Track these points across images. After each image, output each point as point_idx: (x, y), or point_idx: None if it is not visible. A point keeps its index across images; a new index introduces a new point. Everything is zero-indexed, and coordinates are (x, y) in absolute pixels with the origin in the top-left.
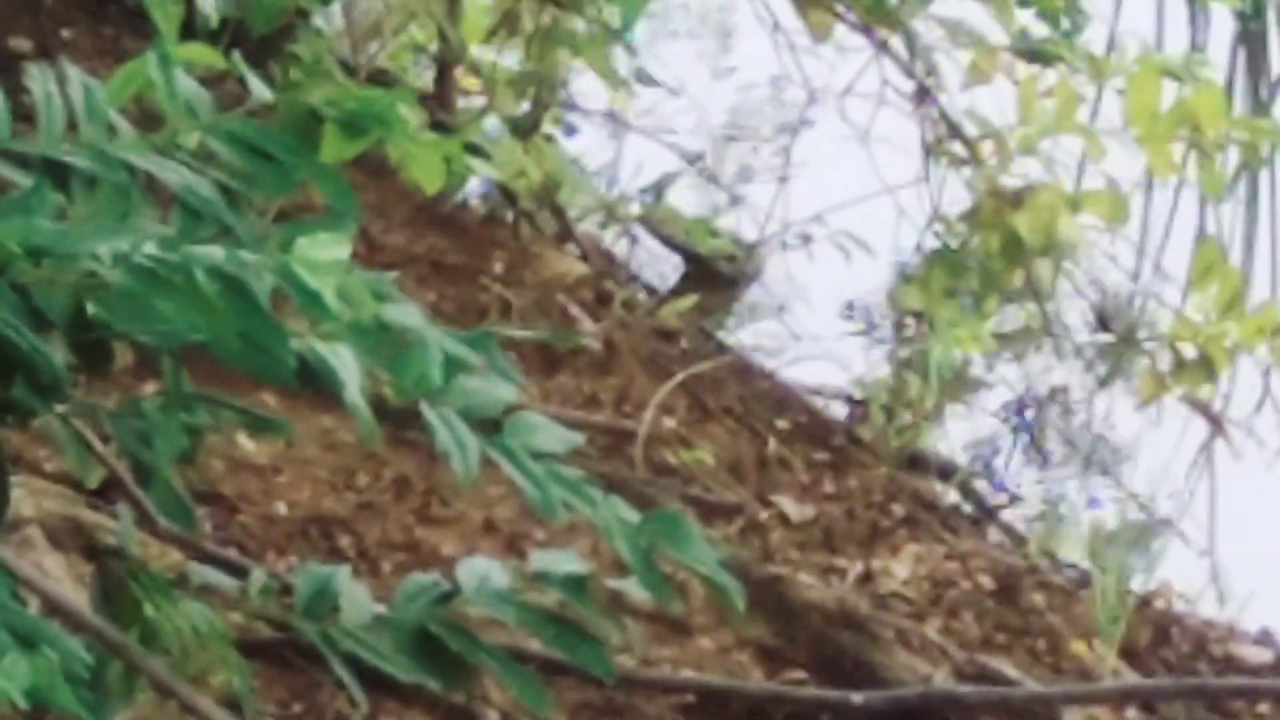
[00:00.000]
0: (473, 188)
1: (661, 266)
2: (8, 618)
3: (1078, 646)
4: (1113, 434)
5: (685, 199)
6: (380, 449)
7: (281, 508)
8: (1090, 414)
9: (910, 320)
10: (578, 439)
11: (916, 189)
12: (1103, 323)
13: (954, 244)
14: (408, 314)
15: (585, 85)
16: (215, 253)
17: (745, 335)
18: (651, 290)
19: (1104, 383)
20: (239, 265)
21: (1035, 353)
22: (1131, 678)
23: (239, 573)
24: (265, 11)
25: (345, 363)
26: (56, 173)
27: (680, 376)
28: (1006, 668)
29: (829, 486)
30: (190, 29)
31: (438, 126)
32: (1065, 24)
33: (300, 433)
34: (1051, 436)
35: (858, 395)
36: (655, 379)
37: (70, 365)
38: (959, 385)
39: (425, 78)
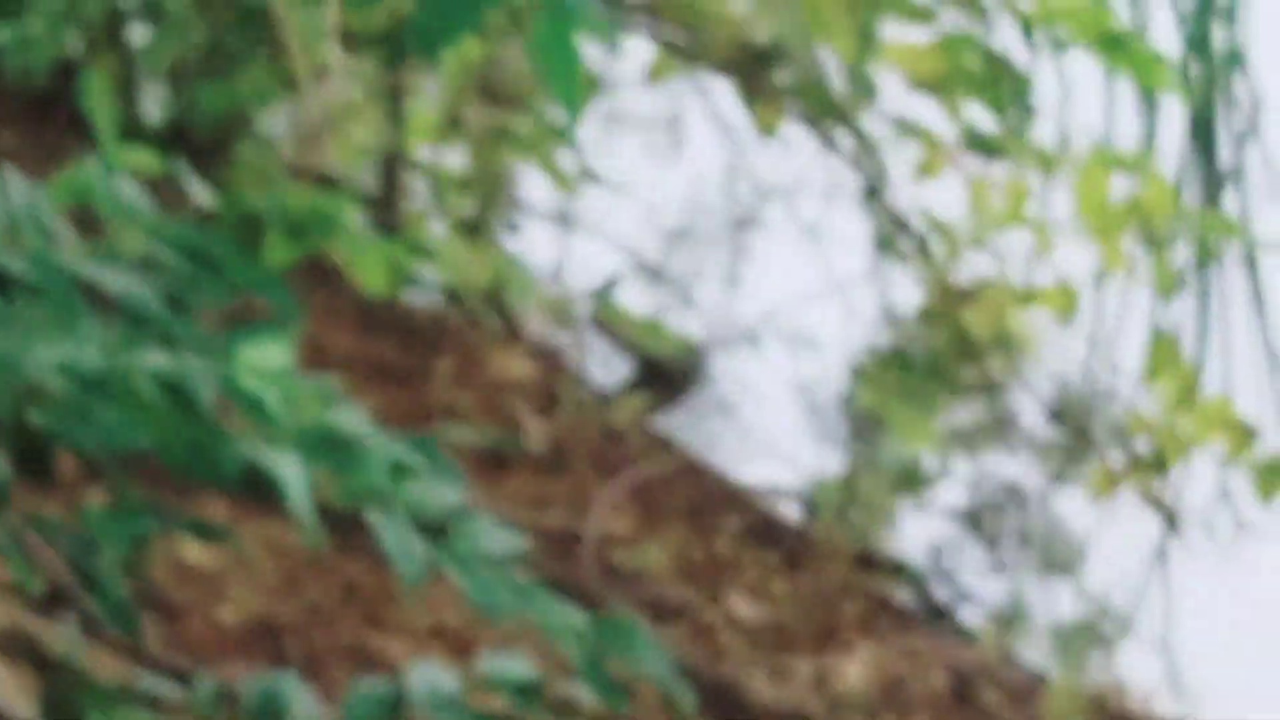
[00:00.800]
0: (419, 290)
1: (610, 367)
2: None
3: None
4: (1068, 532)
5: (633, 298)
6: (327, 555)
7: (228, 614)
8: (1045, 511)
9: (861, 419)
10: (525, 542)
11: (866, 286)
12: (1056, 418)
13: (905, 341)
14: (353, 418)
15: (532, 185)
16: (158, 360)
17: (695, 435)
18: (599, 391)
19: (1057, 478)
20: (182, 372)
21: (988, 450)
22: None
23: (186, 681)
24: (208, 115)
25: (290, 468)
26: None
27: (629, 477)
28: None
29: (781, 586)
30: (132, 132)
31: (383, 228)
32: (1013, 117)
33: (247, 539)
34: (1006, 533)
35: (809, 495)
36: (604, 480)
37: (11, 474)
38: (911, 483)
39: (370, 180)
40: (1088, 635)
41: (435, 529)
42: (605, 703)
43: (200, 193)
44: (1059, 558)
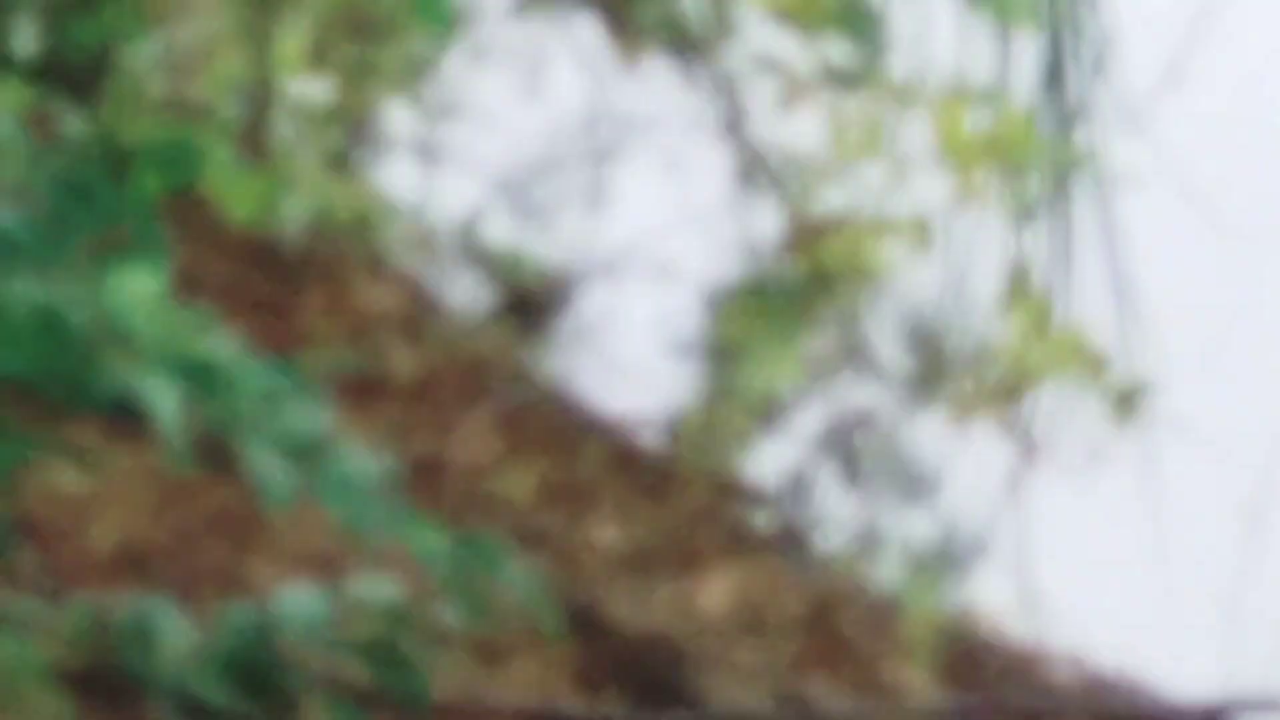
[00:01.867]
0: (288, 222)
1: (474, 297)
2: None
3: (890, 670)
4: (923, 458)
5: (497, 230)
6: (198, 480)
7: (98, 539)
8: (901, 439)
9: (721, 348)
10: (392, 466)
11: (726, 217)
12: (912, 347)
13: (763, 271)
14: (223, 346)
15: (396, 117)
16: (31, 287)
17: (558, 364)
18: (465, 321)
19: (913, 406)
20: (55, 300)
21: (845, 378)
22: (942, 699)
23: (58, 605)
24: (79, 47)
25: (161, 395)
26: None
27: (493, 406)
28: (820, 691)
29: (643, 512)
30: (3, 65)
31: (251, 161)
32: (870, 52)
33: (118, 465)
34: (863, 462)
35: (670, 422)
36: (469, 409)
37: None
38: (770, 411)
39: (238, 112)
40: (942, 560)
41: (304, 454)
42: (472, 624)
43: (73, 124)
44: (914, 484)
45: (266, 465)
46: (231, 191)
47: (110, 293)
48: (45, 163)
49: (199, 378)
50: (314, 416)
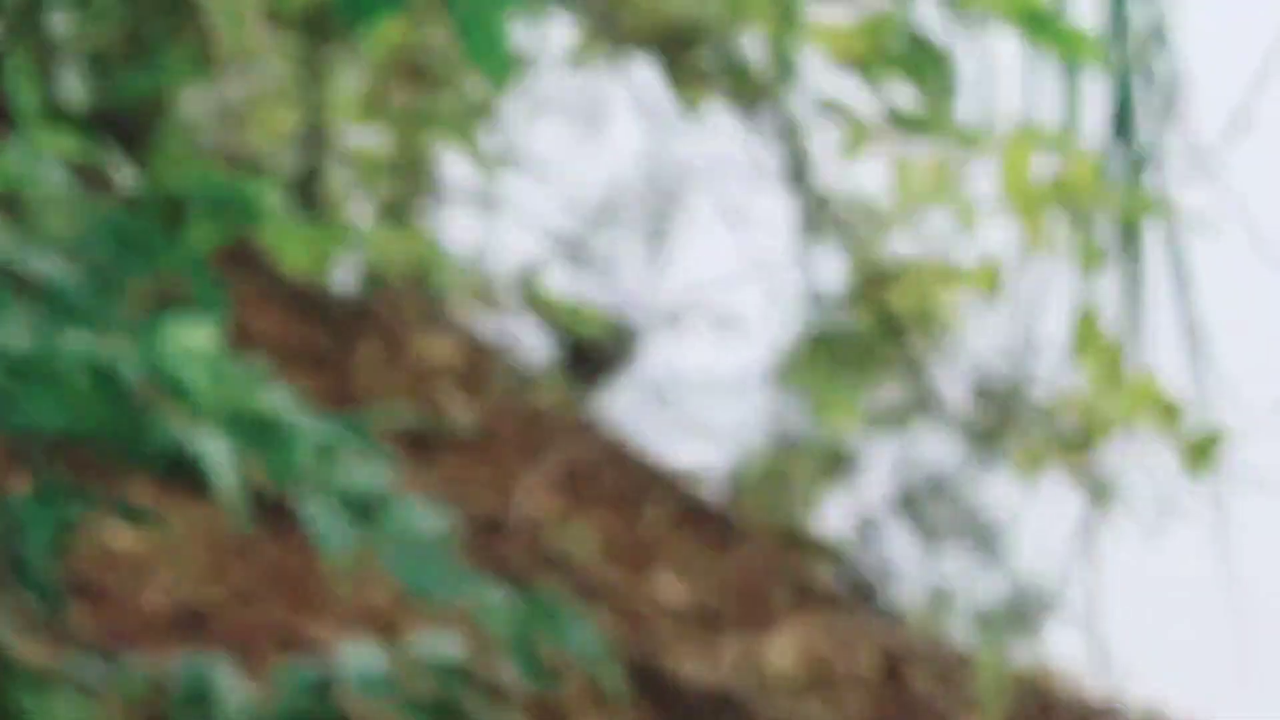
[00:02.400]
0: (343, 273)
1: (534, 350)
2: None
3: None
4: (993, 510)
5: (558, 280)
6: (255, 537)
7: (155, 598)
8: (970, 490)
9: (787, 400)
10: (453, 523)
11: (791, 266)
12: (981, 397)
13: (829, 321)
14: (280, 401)
15: (454, 166)
16: (84, 343)
17: (621, 417)
18: (524, 374)
19: (982, 457)
20: (108, 355)
21: (914, 429)
22: None
23: (114, 665)
24: (130, 97)
25: (217, 451)
26: None
27: (555, 460)
28: None
29: (708, 567)
30: (54, 116)
31: (305, 211)
32: (936, 96)
33: (173, 523)
34: (931, 513)
35: (735, 476)
36: (529, 463)
37: None
38: (838, 463)
39: (292, 162)
40: (1013, 615)
41: (363, 511)
42: (534, 684)
43: (124, 176)
44: (984, 537)
45: (325, 522)
46: (286, 242)
47: (164, 347)
48: (96, 214)
49: (255, 433)
50: (373, 472)
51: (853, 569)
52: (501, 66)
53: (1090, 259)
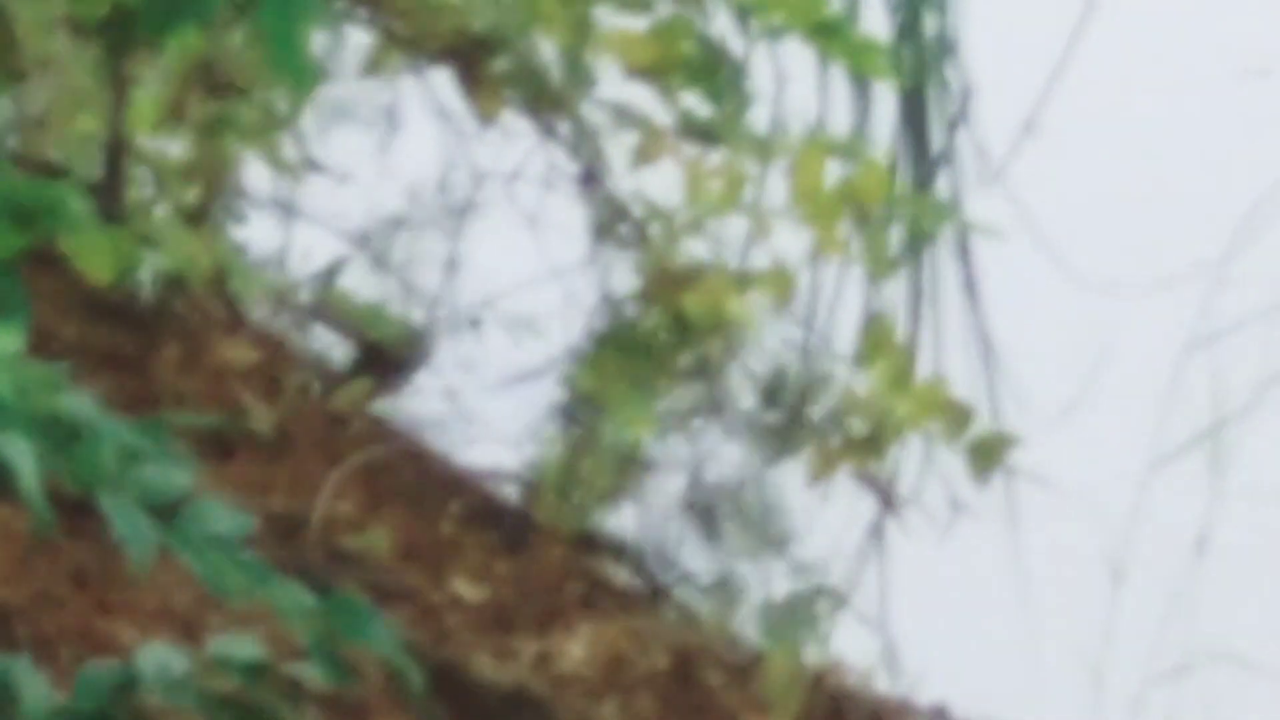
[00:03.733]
0: (143, 278)
1: (333, 352)
2: None
3: None
4: (784, 511)
5: (355, 285)
6: (57, 539)
7: None
8: (761, 491)
9: (581, 401)
10: (252, 523)
11: (585, 272)
12: (772, 400)
13: (623, 325)
14: (81, 404)
15: (254, 173)
16: None
17: (417, 420)
18: (323, 376)
19: (774, 459)
20: None
21: (706, 432)
22: None
23: None
24: None
25: (20, 454)
26: None
27: (353, 461)
28: None
29: (503, 568)
30: None
31: (107, 217)
32: (729, 104)
33: None
34: (723, 515)
35: (530, 477)
36: (328, 465)
37: None
38: (631, 465)
39: (94, 168)
40: (802, 612)
41: (164, 512)
42: (334, 683)
43: None
44: (775, 538)
45: (127, 523)
46: (87, 248)
47: None
48: None
49: (57, 435)
50: (175, 474)
51: (646, 569)
52: (303, 75)
53: (881, 265)
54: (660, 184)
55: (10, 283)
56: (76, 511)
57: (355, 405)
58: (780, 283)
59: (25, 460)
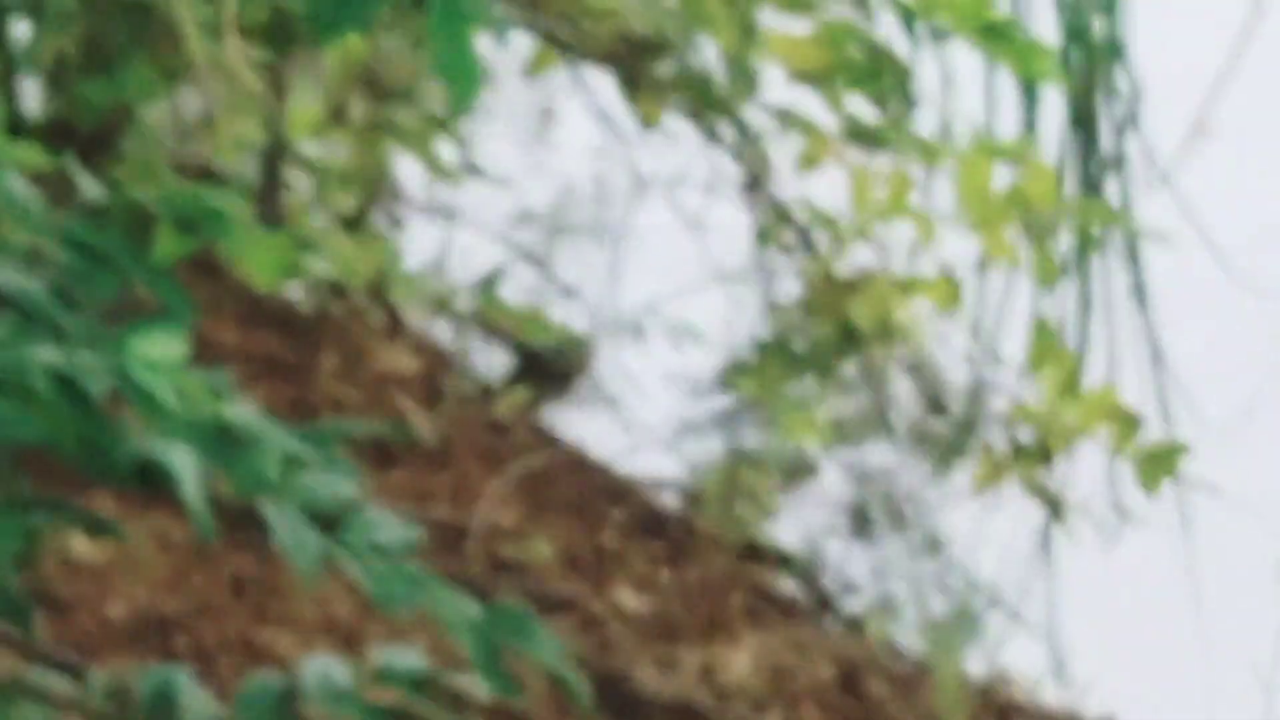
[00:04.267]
0: (303, 284)
1: (493, 359)
2: None
3: None
4: (951, 521)
5: (515, 291)
6: (217, 548)
7: (117, 609)
8: (928, 501)
9: (744, 409)
10: (416, 534)
11: (749, 278)
12: (938, 409)
13: (787, 332)
14: (244, 411)
15: (412, 177)
16: (49, 353)
17: (579, 428)
18: (484, 384)
19: (940, 469)
20: (73, 366)
21: (871, 441)
22: None
23: (76, 675)
24: (91, 108)
25: (182, 461)
26: None
27: (514, 470)
28: None
29: (666, 578)
30: (15, 127)
31: (266, 221)
32: (895, 108)
33: (136, 533)
34: (888, 524)
35: (693, 486)
36: (489, 473)
37: None
38: (795, 474)
39: (253, 173)
40: (968, 624)
41: (327, 521)
42: (499, 695)
43: (87, 187)
44: (942, 548)
45: (291, 532)
46: (248, 254)
47: (129, 358)
48: (60, 226)
49: (220, 444)
50: (339, 482)
51: (810, 579)
52: (468, 80)
53: (1049, 271)
54: (825, 189)
55: (172, 289)
56: (235, 521)
57: (516, 413)
58: (947, 289)
59: (187, 468)
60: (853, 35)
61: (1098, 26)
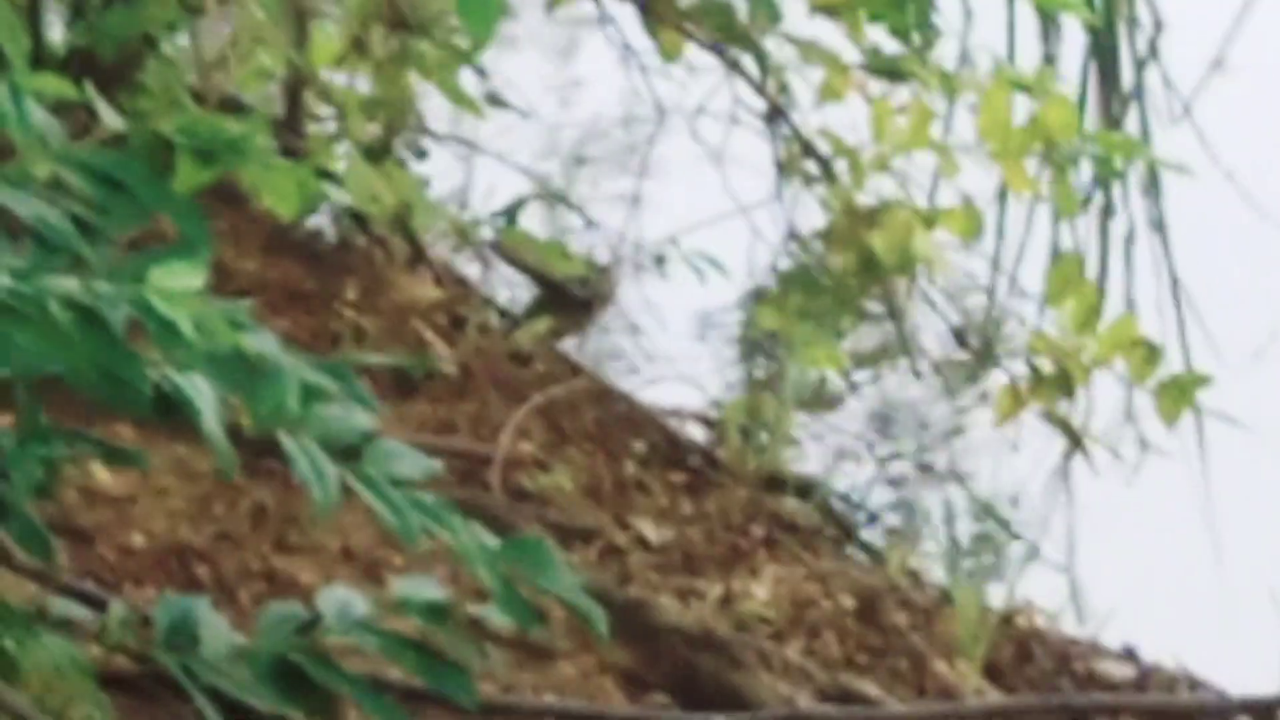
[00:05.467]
0: (325, 214)
1: (515, 290)
2: None
3: (940, 665)
4: (970, 451)
5: (537, 222)
6: (237, 478)
7: (138, 539)
8: (948, 431)
9: (766, 340)
10: (436, 465)
11: (770, 208)
12: (959, 339)
13: (809, 263)
14: (264, 342)
15: (435, 108)
16: (70, 284)
17: (601, 358)
18: (505, 314)
19: (960, 399)
20: (94, 296)
21: (892, 371)
22: (994, 696)
23: (98, 605)
24: (113, 40)
25: (202, 392)
26: None
27: (536, 400)
28: (869, 688)
29: (687, 508)
30: (38, 58)
31: (289, 152)
32: (916, 40)
33: (156, 463)
34: (909, 454)
35: (714, 416)
36: (511, 403)
37: None
38: (815, 404)
39: (275, 103)
40: (989, 554)
41: (346, 452)
42: (516, 624)
43: (109, 117)
44: (962, 478)
45: (310, 464)
46: (269, 184)
47: (149, 288)
48: (82, 156)
49: (240, 375)
50: (358, 414)
51: (830, 510)
52: (487, 12)
53: (1069, 202)
54: (846, 120)
55: (192, 219)
56: (257, 451)
57: (538, 344)
58: (968, 220)
59: (206, 399)
60: None
61: None
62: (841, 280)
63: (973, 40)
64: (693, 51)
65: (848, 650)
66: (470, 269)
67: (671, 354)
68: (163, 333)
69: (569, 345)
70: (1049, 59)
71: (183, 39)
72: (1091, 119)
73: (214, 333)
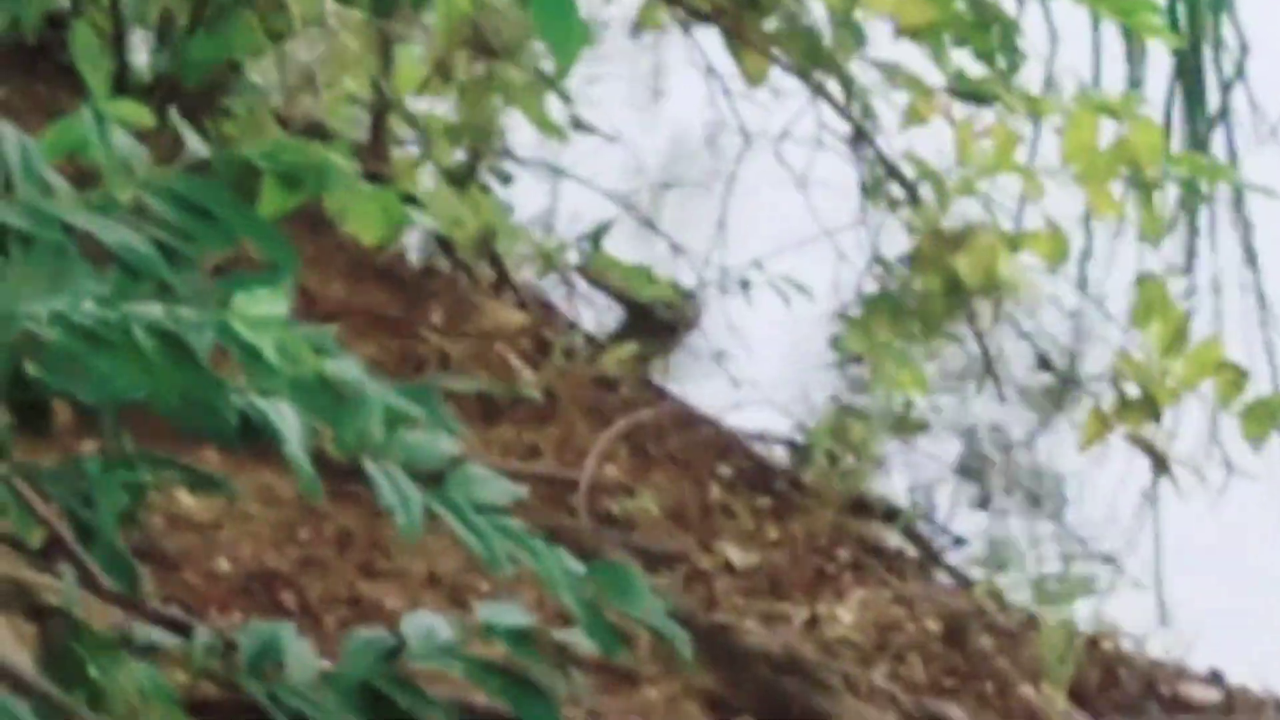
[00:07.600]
0: (409, 239)
1: (600, 315)
2: None
3: (1026, 689)
4: (1057, 475)
5: (622, 246)
6: (322, 504)
7: (223, 565)
8: (1034, 455)
9: (851, 364)
10: (520, 490)
11: (855, 232)
12: (1045, 363)
13: (894, 286)
14: (348, 367)
15: (519, 132)
16: (154, 310)
17: (686, 382)
18: (590, 339)
19: (1046, 423)
20: (178, 322)
21: (978, 394)
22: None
23: (183, 631)
24: (198, 66)
25: (286, 418)
26: None
27: (621, 425)
28: (955, 712)
29: (773, 532)
30: (123, 84)
31: (373, 177)
32: (1001, 64)
33: (241, 489)
34: (995, 478)
35: (800, 440)
36: (596, 427)
37: (9, 425)
38: (901, 428)
39: (359, 129)
40: (1075, 577)
41: (431, 478)
42: (601, 649)
43: (194, 143)
44: (1049, 501)
45: (394, 489)
46: (354, 209)
47: (234, 314)
48: (166, 182)
49: (324, 401)
50: (442, 439)
51: (916, 534)
52: (571, 38)
53: (1155, 225)
54: (931, 144)
55: (277, 244)
56: (341, 477)
57: (623, 368)
58: (1053, 243)
59: (290, 425)
60: None
61: None
62: (926, 304)
63: (1058, 63)
64: (777, 75)
65: (933, 674)
66: (555, 293)
67: (757, 378)
68: (247, 359)
69: (654, 369)
70: (1134, 82)
71: (268, 64)
72: (1177, 141)
73: (298, 358)
